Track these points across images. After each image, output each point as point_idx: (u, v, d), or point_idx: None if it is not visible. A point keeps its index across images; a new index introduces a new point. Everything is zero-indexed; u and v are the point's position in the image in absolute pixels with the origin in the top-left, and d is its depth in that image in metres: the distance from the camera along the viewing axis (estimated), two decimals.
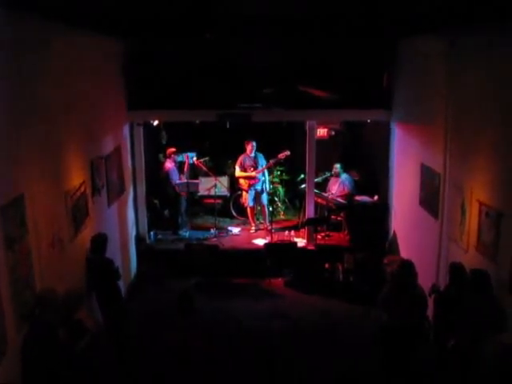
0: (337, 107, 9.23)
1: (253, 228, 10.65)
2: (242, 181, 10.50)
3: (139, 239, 9.75)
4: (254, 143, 10.30)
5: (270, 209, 10.59)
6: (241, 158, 10.43)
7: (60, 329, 4.72)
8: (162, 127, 10.99)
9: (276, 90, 9.33)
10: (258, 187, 10.42)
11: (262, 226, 10.76)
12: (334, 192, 10.23)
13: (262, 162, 10.41)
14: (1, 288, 4.35)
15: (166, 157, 10.46)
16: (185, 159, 10.51)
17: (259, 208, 10.90)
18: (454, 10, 5.09)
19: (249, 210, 10.63)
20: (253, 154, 10.36)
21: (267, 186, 10.61)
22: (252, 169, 10.36)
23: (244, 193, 10.59)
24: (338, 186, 10.21)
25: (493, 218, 5.36)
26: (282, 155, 10.17)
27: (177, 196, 10.29)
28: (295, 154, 10.64)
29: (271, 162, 10.34)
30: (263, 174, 10.51)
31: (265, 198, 10.57)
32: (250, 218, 10.68)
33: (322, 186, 10.53)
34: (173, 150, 10.37)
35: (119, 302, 6.69)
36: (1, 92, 4.54)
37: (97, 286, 6.40)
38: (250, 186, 10.40)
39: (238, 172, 10.47)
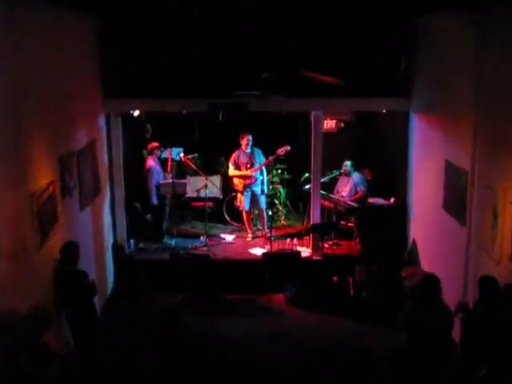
0: (347, 95, 9.19)
1: (249, 235, 10.64)
2: (236, 181, 10.48)
3: (117, 248, 9.72)
4: (250, 137, 10.30)
5: (270, 213, 10.54)
6: (235, 155, 10.42)
7: (23, 355, 4.62)
8: (145, 119, 10.95)
9: (276, 75, 9.32)
10: (255, 188, 10.42)
11: (259, 233, 10.74)
12: (344, 194, 10.27)
13: (260, 158, 10.40)
14: None
15: (147, 153, 10.46)
16: (167, 156, 10.51)
17: (256, 212, 10.90)
18: None
19: (244, 214, 10.62)
20: (249, 150, 10.34)
21: (266, 187, 10.58)
22: (248, 166, 10.34)
23: (239, 194, 10.57)
24: (350, 187, 10.26)
25: None
26: (281, 151, 10.18)
27: (161, 198, 10.26)
28: (298, 149, 10.63)
29: (270, 158, 10.32)
30: (261, 173, 10.50)
31: (263, 200, 10.55)
32: (246, 223, 10.68)
33: (330, 187, 10.53)
34: (155, 144, 10.38)
35: (93, 321, 6.64)
36: None
37: (68, 302, 6.35)
38: (245, 186, 10.39)
39: (231, 170, 10.46)
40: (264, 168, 10.52)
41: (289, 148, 10.19)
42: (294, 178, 11.45)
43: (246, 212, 10.56)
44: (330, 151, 10.28)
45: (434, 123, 8.30)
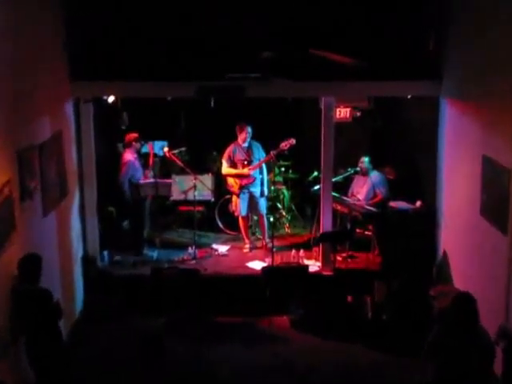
0: (364, 78, 9.15)
1: (247, 246, 10.66)
2: (231, 180, 10.50)
3: (88, 261, 9.69)
4: (249, 129, 10.29)
5: (271, 219, 10.54)
6: (230, 149, 10.42)
7: None
8: (121, 106, 10.96)
9: (279, 53, 9.29)
10: (254, 189, 10.44)
11: (259, 244, 10.78)
12: (361, 197, 10.29)
13: (259, 153, 10.43)
14: None
15: (124, 146, 10.42)
16: (149, 150, 10.48)
17: (255, 218, 10.92)
18: None
19: (241, 220, 10.64)
20: (246, 144, 10.37)
21: (266, 188, 10.57)
22: (245, 164, 10.35)
23: (234, 197, 10.58)
24: (368, 189, 10.29)
25: None
26: (285, 144, 10.19)
27: (140, 201, 10.23)
28: (305, 143, 10.65)
29: (272, 153, 10.30)
30: (261, 172, 10.50)
31: (263, 204, 10.57)
32: (243, 231, 10.70)
33: (343, 188, 10.57)
34: (134, 135, 10.34)
35: (59, 349, 6.61)
36: None
37: (28, 328, 6.32)
38: (242, 187, 10.41)
39: (225, 168, 10.48)
40: (264, 165, 10.51)
41: (294, 141, 10.18)
42: (301, 178, 11.51)
43: (243, 218, 10.56)
44: (344, 145, 10.36)
45: (469, 111, 8.25)
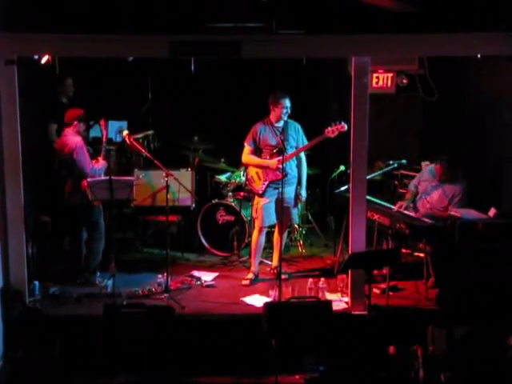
0: (415, 29, 9.11)
1: (250, 276, 10.69)
2: (252, 173, 10.67)
3: (10, 296, 9.56)
4: (288, 102, 10.31)
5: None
6: (256, 128, 10.56)
7: None
8: (60, 70, 10.94)
9: None
10: (285, 190, 10.21)
11: (266, 270, 10.99)
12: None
13: (298, 139, 10.58)
14: None
15: (63, 125, 10.27)
16: (102, 130, 10.33)
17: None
18: None
19: (256, 235, 10.66)
20: (281, 123, 10.45)
21: (304, 190, 10.75)
22: (274, 152, 10.48)
23: (257, 198, 10.69)
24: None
25: None
26: (331, 130, 10.16)
27: (89, 207, 10.12)
28: (328, 123, 10.54)
29: (316, 140, 10.29)
30: (299, 165, 10.66)
31: (295, 212, 10.83)
32: (253, 253, 10.74)
33: (384, 189, 10.64)
34: (78, 112, 10.22)
35: None
36: None
37: None
38: (267, 183, 10.53)
39: (246, 155, 10.61)
40: (304, 157, 10.65)
41: (345, 127, 10.10)
42: (321, 174, 11.77)
43: (261, 231, 10.62)
44: (384, 127, 10.42)
45: None
